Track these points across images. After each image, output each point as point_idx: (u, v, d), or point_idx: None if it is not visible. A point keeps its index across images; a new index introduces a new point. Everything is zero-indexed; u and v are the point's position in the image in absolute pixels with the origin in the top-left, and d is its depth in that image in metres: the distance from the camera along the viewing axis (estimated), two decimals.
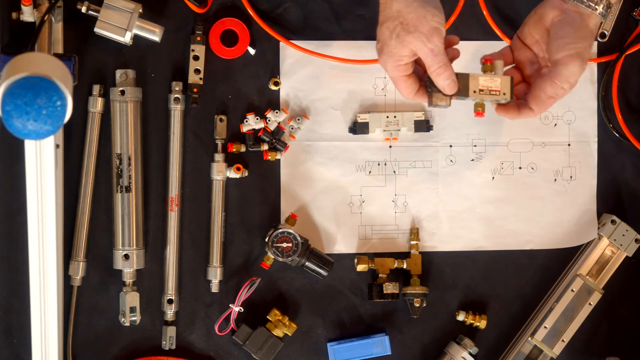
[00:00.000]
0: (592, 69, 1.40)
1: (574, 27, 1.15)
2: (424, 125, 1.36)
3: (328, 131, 1.38)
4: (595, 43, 1.40)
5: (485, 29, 1.38)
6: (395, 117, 1.35)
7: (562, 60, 1.14)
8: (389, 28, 1.12)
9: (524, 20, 1.22)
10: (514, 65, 1.24)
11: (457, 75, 1.18)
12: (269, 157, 1.35)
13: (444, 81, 1.15)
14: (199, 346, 1.35)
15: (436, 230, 1.39)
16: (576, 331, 1.35)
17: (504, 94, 1.19)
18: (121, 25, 1.29)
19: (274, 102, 1.37)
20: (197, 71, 1.33)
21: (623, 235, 1.38)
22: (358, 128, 1.35)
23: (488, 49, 1.37)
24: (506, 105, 1.20)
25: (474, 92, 1.18)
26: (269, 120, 1.35)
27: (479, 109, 1.20)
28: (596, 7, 1.16)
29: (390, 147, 1.38)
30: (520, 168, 1.39)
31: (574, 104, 1.40)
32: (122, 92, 1.31)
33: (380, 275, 1.36)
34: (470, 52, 1.38)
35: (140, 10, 1.29)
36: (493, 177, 1.40)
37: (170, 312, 1.34)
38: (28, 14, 1.27)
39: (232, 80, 1.36)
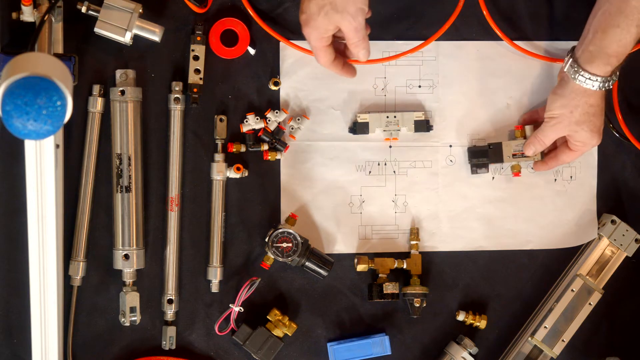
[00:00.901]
0: None
1: (555, 96, 1.29)
2: (424, 126, 1.36)
3: (328, 131, 1.38)
4: None
5: (485, 29, 1.38)
6: (395, 117, 1.35)
7: (544, 120, 1.32)
8: (317, 4, 1.19)
9: None
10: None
11: (491, 145, 1.37)
12: (269, 157, 1.35)
13: (360, 51, 1.25)
14: (199, 346, 1.35)
15: (436, 230, 1.39)
16: (576, 331, 1.35)
17: (535, 156, 1.36)
18: (121, 25, 1.29)
19: (274, 102, 1.37)
20: (197, 71, 1.33)
21: (623, 235, 1.38)
22: (358, 128, 1.35)
23: (488, 49, 1.37)
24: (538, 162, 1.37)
25: (508, 157, 1.36)
26: (269, 120, 1.35)
27: (515, 171, 1.37)
28: (581, 77, 1.25)
29: (390, 147, 1.39)
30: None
31: None
32: (122, 92, 1.31)
33: (380, 275, 1.36)
34: (470, 52, 1.39)
35: (140, 10, 1.29)
36: (493, 177, 1.40)
37: (170, 312, 1.34)
38: (28, 14, 1.27)
39: (232, 80, 1.36)
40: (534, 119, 1.38)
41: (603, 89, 1.26)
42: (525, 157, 1.36)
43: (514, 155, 1.36)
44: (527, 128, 1.37)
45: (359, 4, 1.20)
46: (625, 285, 1.41)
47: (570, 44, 1.40)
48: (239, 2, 1.36)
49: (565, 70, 1.27)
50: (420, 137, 1.38)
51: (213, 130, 1.35)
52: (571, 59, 1.26)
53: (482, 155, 1.37)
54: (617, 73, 1.26)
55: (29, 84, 0.95)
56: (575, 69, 1.25)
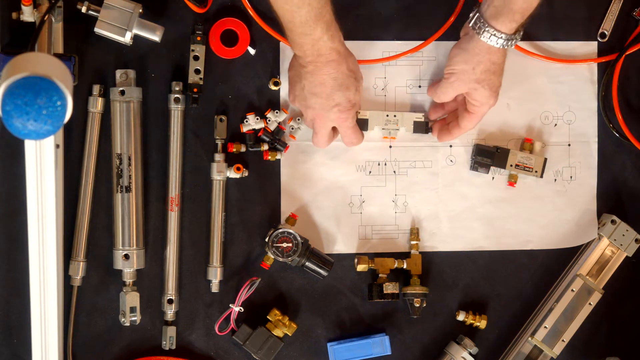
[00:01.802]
0: (592, 69, 1.41)
1: (457, 50, 1.28)
2: (422, 127, 1.36)
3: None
4: (595, 43, 1.40)
5: None
6: (395, 116, 1.36)
7: (444, 76, 1.30)
8: (349, 87, 1.25)
9: None
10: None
11: (499, 149, 1.37)
12: (269, 157, 1.35)
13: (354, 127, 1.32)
14: (199, 346, 1.35)
15: (436, 230, 1.39)
16: (576, 331, 1.35)
17: (536, 171, 1.37)
18: (121, 25, 1.29)
19: (274, 102, 1.37)
20: (197, 71, 1.33)
21: (623, 235, 1.38)
22: (357, 124, 1.34)
23: None
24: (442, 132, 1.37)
25: (511, 165, 1.37)
26: (269, 120, 1.35)
27: (512, 180, 1.38)
28: (484, 34, 1.23)
29: (390, 147, 1.39)
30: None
31: (574, 104, 1.41)
32: (122, 92, 1.31)
33: (380, 275, 1.36)
34: None
35: (140, 10, 1.29)
36: (493, 177, 1.40)
37: (170, 312, 1.34)
38: (28, 14, 1.27)
39: (232, 80, 1.36)
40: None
41: (506, 47, 1.25)
42: (526, 170, 1.36)
43: (516, 165, 1.37)
44: (537, 144, 1.38)
45: (357, 65, 1.28)
46: (625, 285, 1.41)
47: (570, 44, 1.40)
48: (239, 2, 1.36)
49: (470, 25, 1.25)
50: (421, 137, 1.38)
51: (213, 130, 1.35)
52: (477, 14, 1.24)
53: (488, 156, 1.37)
54: (521, 33, 1.25)
55: (29, 84, 0.95)
56: (481, 24, 1.23)
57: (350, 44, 1.33)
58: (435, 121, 1.37)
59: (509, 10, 1.21)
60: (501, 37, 1.23)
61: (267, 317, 1.34)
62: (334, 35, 1.20)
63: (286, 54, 1.36)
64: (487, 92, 1.27)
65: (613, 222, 1.38)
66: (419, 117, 1.36)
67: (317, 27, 1.17)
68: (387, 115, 1.36)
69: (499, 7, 1.22)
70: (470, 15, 1.26)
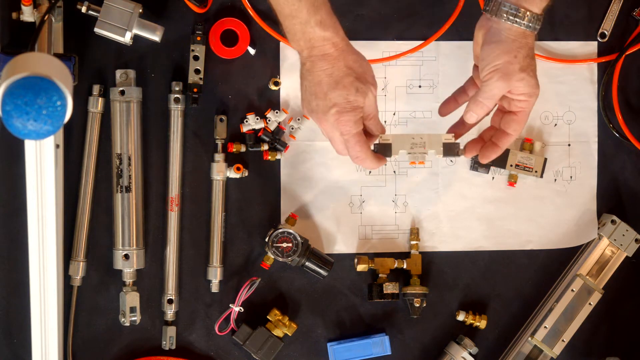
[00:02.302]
0: (592, 69, 1.41)
1: (493, 45, 1.18)
2: (453, 149, 1.24)
3: None
4: (595, 43, 1.40)
5: None
6: (421, 138, 1.24)
7: (484, 78, 1.18)
8: (346, 87, 1.14)
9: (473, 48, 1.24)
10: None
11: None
12: (269, 157, 1.35)
13: (378, 124, 1.22)
14: (199, 346, 1.35)
15: (436, 230, 1.39)
16: (576, 331, 1.35)
17: (536, 171, 1.36)
18: (121, 25, 1.29)
19: (274, 102, 1.37)
20: (197, 71, 1.33)
21: (623, 235, 1.38)
22: (379, 150, 1.23)
23: None
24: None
25: (511, 165, 1.36)
26: (269, 120, 1.35)
27: (512, 180, 1.38)
28: (519, 20, 1.16)
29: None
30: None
31: (574, 104, 1.41)
32: (122, 92, 1.31)
33: (380, 275, 1.36)
34: (470, 52, 1.38)
35: (140, 10, 1.29)
36: (493, 177, 1.40)
37: (170, 312, 1.34)
38: (28, 14, 1.27)
39: (232, 80, 1.36)
40: (458, 103, 1.29)
41: (537, 29, 1.18)
42: (526, 170, 1.36)
43: (516, 165, 1.36)
44: (537, 144, 1.37)
45: (370, 69, 1.18)
46: (625, 285, 1.41)
47: (570, 44, 1.40)
48: (239, 2, 1.36)
49: (493, 16, 1.17)
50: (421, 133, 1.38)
51: (213, 130, 1.35)
52: (499, 2, 1.17)
53: None
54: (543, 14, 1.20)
55: (29, 84, 0.95)
56: (508, 9, 1.16)
57: None
58: (461, 141, 1.27)
59: None
60: (534, 18, 1.16)
61: (267, 317, 1.33)
62: (324, 22, 1.13)
63: (286, 54, 1.36)
64: (533, 80, 1.18)
65: (613, 222, 1.38)
66: (449, 138, 1.24)
67: (301, 5, 1.11)
68: (413, 138, 1.24)
69: None
70: (487, 7, 1.19)
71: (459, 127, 1.26)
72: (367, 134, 1.21)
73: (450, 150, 1.24)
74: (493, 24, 1.18)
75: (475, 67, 1.25)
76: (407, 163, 1.38)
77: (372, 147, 1.22)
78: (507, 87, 1.18)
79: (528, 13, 1.16)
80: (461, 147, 1.24)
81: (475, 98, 1.20)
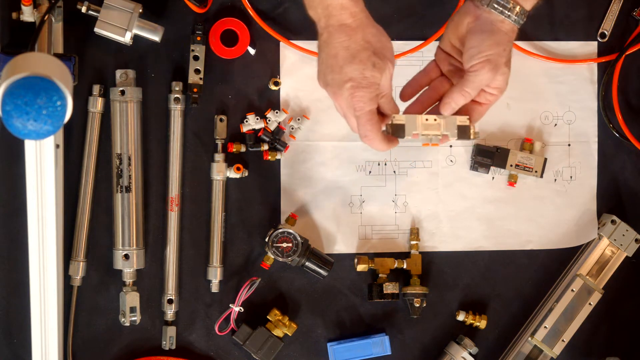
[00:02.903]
0: (592, 69, 1.41)
1: (485, 34, 1.14)
2: (468, 132, 1.18)
3: (328, 131, 1.37)
4: (595, 43, 1.41)
5: None
6: (435, 120, 1.18)
7: (472, 68, 1.14)
8: (362, 61, 1.10)
9: (445, 30, 1.20)
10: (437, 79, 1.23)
11: (499, 149, 1.35)
12: (269, 157, 1.35)
13: (392, 103, 1.16)
14: (199, 346, 1.35)
15: (436, 230, 1.39)
16: (576, 331, 1.35)
17: (536, 171, 1.36)
18: (121, 25, 1.29)
19: (274, 102, 1.37)
20: (197, 71, 1.33)
21: (623, 235, 1.38)
22: (393, 130, 1.17)
23: None
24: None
25: (511, 165, 1.36)
26: (269, 120, 1.35)
27: (512, 180, 1.38)
28: (509, 13, 1.14)
29: None
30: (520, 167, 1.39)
31: (574, 104, 1.41)
32: (122, 92, 1.31)
33: (380, 275, 1.36)
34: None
35: (140, 10, 1.29)
36: (493, 177, 1.40)
37: (170, 312, 1.34)
38: (28, 14, 1.27)
39: (232, 80, 1.36)
40: (421, 85, 1.23)
41: (519, 26, 1.16)
42: (526, 170, 1.36)
43: (516, 165, 1.36)
44: (537, 144, 1.38)
45: (390, 45, 1.14)
46: (625, 285, 1.41)
47: (570, 44, 1.40)
48: (239, 2, 1.36)
49: (487, 6, 1.14)
50: None
51: (213, 130, 1.35)
52: None
53: (488, 156, 1.37)
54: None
55: (29, 84, 0.95)
56: (504, 2, 1.13)
57: None
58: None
59: None
60: (524, 14, 1.15)
61: (267, 317, 1.33)
62: None
63: (286, 54, 1.36)
64: (508, 75, 1.16)
65: (613, 222, 1.38)
66: (464, 120, 1.18)
67: None
68: (427, 120, 1.18)
69: None
70: None
71: (416, 107, 1.22)
72: (379, 113, 1.17)
73: (464, 132, 1.18)
74: (483, 13, 1.15)
75: (440, 49, 1.21)
76: (407, 163, 1.38)
77: (383, 128, 1.18)
78: (492, 79, 1.15)
79: (518, 7, 1.14)
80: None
81: (461, 87, 1.15)
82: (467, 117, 1.18)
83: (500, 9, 1.14)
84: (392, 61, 1.13)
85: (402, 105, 1.23)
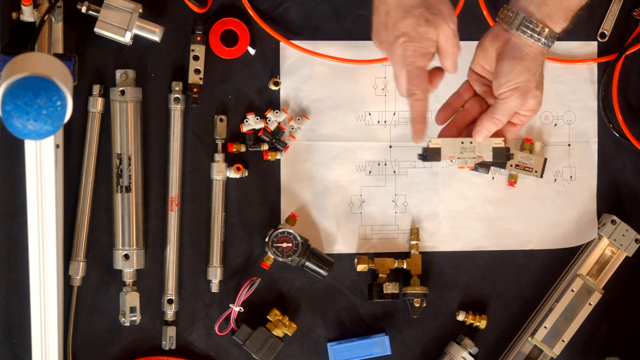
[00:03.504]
0: (592, 69, 1.41)
1: (514, 61, 1.15)
2: (503, 153, 1.22)
3: (328, 131, 1.38)
4: (595, 43, 1.41)
5: (485, 29, 1.37)
6: (471, 143, 1.21)
7: (501, 95, 1.16)
8: (415, 15, 1.10)
9: (475, 52, 1.21)
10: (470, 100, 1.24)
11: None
12: (269, 157, 1.35)
13: (453, 61, 1.16)
14: (199, 346, 1.35)
15: (436, 230, 1.39)
16: (576, 331, 1.35)
17: (536, 171, 1.35)
18: (121, 25, 1.29)
19: (274, 102, 1.37)
20: (197, 71, 1.33)
21: (623, 235, 1.38)
22: (429, 154, 1.21)
23: None
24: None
25: (511, 165, 1.35)
26: (269, 120, 1.35)
27: (512, 180, 1.37)
28: (538, 36, 1.14)
29: (390, 147, 1.38)
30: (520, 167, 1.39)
31: (574, 104, 1.41)
32: (122, 92, 1.31)
33: (380, 275, 1.36)
34: (470, 52, 1.38)
35: (140, 10, 1.29)
36: (493, 177, 1.40)
37: (170, 312, 1.34)
38: (28, 14, 1.27)
39: (232, 80, 1.36)
40: (456, 108, 1.24)
41: (549, 48, 1.16)
42: (526, 170, 1.36)
43: (516, 165, 1.36)
44: (537, 144, 1.37)
45: (448, 3, 1.13)
46: (625, 285, 1.41)
47: (570, 44, 1.40)
48: (239, 2, 1.36)
49: (516, 30, 1.14)
50: None
51: (213, 130, 1.35)
52: (523, 16, 1.14)
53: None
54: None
55: (29, 84, 0.95)
56: (534, 26, 1.13)
57: (350, 44, 1.34)
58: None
59: (564, 9, 1.13)
60: (554, 38, 1.15)
61: (267, 317, 1.33)
62: None
63: (286, 54, 1.36)
64: (541, 96, 1.18)
65: (613, 222, 1.38)
66: (499, 142, 1.22)
67: None
68: (462, 143, 1.21)
69: (554, 6, 1.13)
70: (506, 19, 1.15)
71: (451, 129, 1.23)
72: (437, 72, 1.18)
73: (499, 154, 1.22)
74: (512, 37, 1.16)
75: (472, 71, 1.23)
76: (407, 163, 1.38)
77: (419, 152, 1.21)
78: (522, 104, 1.17)
79: (547, 30, 1.14)
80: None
81: (491, 115, 1.17)
82: (503, 139, 1.21)
83: (530, 32, 1.14)
84: (449, 16, 1.12)
85: (437, 128, 1.25)
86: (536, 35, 1.14)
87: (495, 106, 1.18)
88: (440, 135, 1.23)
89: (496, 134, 1.21)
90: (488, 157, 1.21)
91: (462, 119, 1.24)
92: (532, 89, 1.16)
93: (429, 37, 1.12)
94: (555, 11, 1.13)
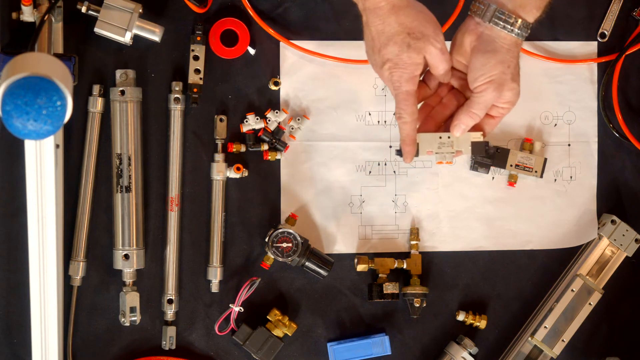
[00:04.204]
0: (592, 69, 1.41)
1: (487, 54, 1.15)
2: (482, 148, 1.23)
3: (328, 131, 1.38)
4: (595, 43, 1.41)
5: None
6: (449, 137, 1.22)
7: (476, 89, 1.17)
8: (397, 43, 1.12)
9: (450, 47, 1.21)
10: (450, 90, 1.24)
11: (499, 149, 1.34)
12: (269, 157, 1.35)
13: (445, 76, 1.18)
14: (199, 346, 1.35)
15: (436, 230, 1.39)
16: (576, 331, 1.35)
17: (536, 171, 1.35)
18: (121, 25, 1.29)
19: (274, 102, 1.37)
20: (197, 71, 1.33)
21: (623, 235, 1.38)
22: (402, 154, 1.23)
23: None
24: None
25: (510, 165, 1.35)
26: (269, 120, 1.35)
27: (512, 180, 1.37)
28: (511, 27, 1.14)
29: (390, 147, 1.38)
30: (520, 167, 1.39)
31: (574, 104, 1.41)
32: (122, 92, 1.31)
33: (380, 275, 1.36)
34: None
35: (140, 10, 1.29)
36: (493, 177, 1.40)
37: (170, 312, 1.34)
38: (28, 14, 1.27)
39: (232, 80, 1.36)
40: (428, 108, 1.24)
41: (524, 39, 1.17)
42: (526, 170, 1.35)
43: (516, 165, 1.36)
44: (537, 144, 1.37)
45: (432, 23, 1.14)
46: (625, 285, 1.41)
47: (570, 44, 1.40)
48: (239, 2, 1.36)
49: (489, 22, 1.14)
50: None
51: (213, 130, 1.35)
52: (494, 7, 1.14)
53: (488, 156, 1.37)
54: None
55: (29, 84, 0.95)
56: (506, 17, 1.13)
57: (350, 44, 1.33)
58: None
59: None
60: (527, 27, 1.15)
61: (267, 317, 1.33)
62: None
63: (286, 54, 1.36)
64: (518, 87, 1.18)
65: (613, 222, 1.38)
66: (477, 136, 1.23)
67: None
68: (440, 138, 1.22)
69: None
70: (478, 12, 1.16)
71: (429, 125, 1.23)
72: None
73: (478, 149, 1.23)
74: (485, 30, 1.16)
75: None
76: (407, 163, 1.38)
77: (397, 148, 1.22)
78: (498, 97, 1.17)
79: (519, 20, 1.14)
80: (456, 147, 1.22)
81: (468, 109, 1.18)
82: (481, 132, 1.22)
83: (502, 23, 1.14)
84: (434, 36, 1.13)
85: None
86: (509, 27, 1.14)
87: (472, 100, 1.18)
88: (419, 131, 1.22)
89: (475, 128, 1.21)
90: (467, 151, 1.22)
91: (439, 113, 1.24)
92: (507, 81, 1.16)
93: (412, 62, 1.13)
94: (527, 1, 1.14)
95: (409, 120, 1.17)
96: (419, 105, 1.23)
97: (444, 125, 1.24)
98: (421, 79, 1.23)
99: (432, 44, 1.13)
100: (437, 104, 1.24)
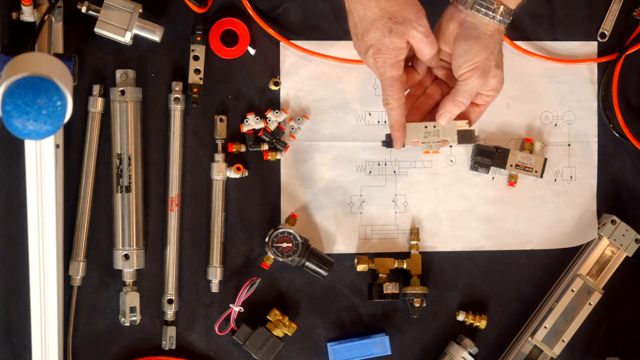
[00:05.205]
0: (592, 69, 1.41)
1: (471, 41, 1.15)
2: (468, 136, 1.24)
3: (328, 131, 1.38)
4: (595, 43, 1.40)
5: None
6: (434, 126, 1.23)
7: (461, 77, 1.17)
8: (378, 28, 1.12)
9: None
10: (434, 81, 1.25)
11: (499, 149, 1.34)
12: (269, 157, 1.35)
13: (432, 60, 1.17)
14: (199, 346, 1.35)
15: (436, 230, 1.39)
16: (576, 331, 1.35)
17: (536, 171, 1.35)
18: (121, 25, 1.29)
19: (274, 102, 1.37)
20: (197, 71, 1.33)
21: (623, 235, 1.38)
22: (392, 140, 1.24)
23: None
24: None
25: (511, 165, 1.35)
26: (269, 120, 1.35)
27: (512, 180, 1.37)
28: (493, 14, 1.14)
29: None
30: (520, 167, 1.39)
31: (574, 104, 1.41)
32: (122, 92, 1.31)
33: (380, 275, 1.36)
34: None
35: (140, 10, 1.29)
36: (493, 177, 1.40)
37: (170, 312, 1.34)
38: (28, 14, 1.27)
39: (232, 80, 1.36)
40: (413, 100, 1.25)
41: (506, 25, 1.17)
42: (526, 170, 1.36)
43: (516, 165, 1.36)
44: (537, 144, 1.37)
45: (415, 7, 1.13)
46: (625, 285, 1.41)
47: (570, 44, 1.40)
48: (239, 2, 1.36)
49: (470, 9, 1.14)
50: None
51: (213, 130, 1.35)
52: None
53: (488, 156, 1.37)
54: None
55: (29, 84, 0.95)
56: (488, 4, 1.14)
57: (350, 44, 1.33)
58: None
59: None
60: (509, 14, 1.15)
61: (267, 317, 1.34)
62: None
63: (286, 54, 1.36)
64: (502, 75, 1.18)
65: (613, 222, 1.38)
66: (463, 125, 1.23)
67: None
68: (426, 127, 1.23)
69: None
70: None
71: (414, 115, 1.24)
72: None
73: (464, 137, 1.23)
74: (467, 17, 1.16)
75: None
76: (407, 163, 1.38)
77: (383, 138, 1.22)
78: (483, 84, 1.17)
79: (501, 7, 1.14)
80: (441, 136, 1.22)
81: (453, 97, 1.18)
82: (467, 121, 1.22)
83: (484, 10, 1.14)
84: (417, 20, 1.12)
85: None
86: (491, 13, 1.14)
87: (457, 88, 1.18)
88: (405, 121, 1.22)
89: (460, 116, 1.22)
90: (453, 140, 1.22)
91: (424, 104, 1.25)
92: (491, 68, 1.16)
93: (395, 47, 1.13)
94: None
95: (396, 106, 1.17)
96: (405, 93, 1.22)
97: (429, 116, 1.24)
98: (410, 64, 1.23)
99: (415, 28, 1.13)
100: (422, 94, 1.25)
